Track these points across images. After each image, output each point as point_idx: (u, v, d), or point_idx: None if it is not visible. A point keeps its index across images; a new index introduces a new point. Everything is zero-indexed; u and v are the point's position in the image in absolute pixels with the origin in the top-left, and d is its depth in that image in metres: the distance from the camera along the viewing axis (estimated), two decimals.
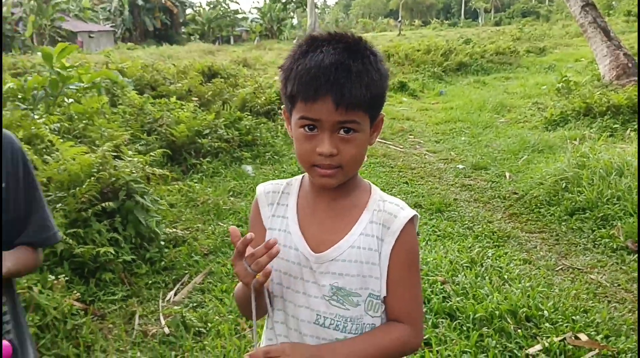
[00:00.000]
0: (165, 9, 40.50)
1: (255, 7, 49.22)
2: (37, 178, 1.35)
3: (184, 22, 43.16)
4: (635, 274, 3.60)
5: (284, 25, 46.17)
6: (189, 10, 45.00)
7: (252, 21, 48.59)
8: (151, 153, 4.49)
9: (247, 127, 6.74)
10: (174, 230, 4.33)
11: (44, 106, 5.31)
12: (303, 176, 1.24)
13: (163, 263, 3.88)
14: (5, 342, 1.21)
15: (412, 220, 1.14)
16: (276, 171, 6.06)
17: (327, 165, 1.06)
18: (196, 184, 5.38)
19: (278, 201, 1.23)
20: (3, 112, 4.94)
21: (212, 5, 46.98)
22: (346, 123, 1.04)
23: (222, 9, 46.15)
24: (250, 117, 7.09)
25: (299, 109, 1.05)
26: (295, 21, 50.79)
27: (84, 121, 5.23)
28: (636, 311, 3.15)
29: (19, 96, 5.48)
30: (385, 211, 1.15)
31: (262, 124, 7.15)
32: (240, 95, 7.57)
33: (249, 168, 6.03)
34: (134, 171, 3.95)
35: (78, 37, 35.72)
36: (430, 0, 77.89)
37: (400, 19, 53.44)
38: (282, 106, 1.14)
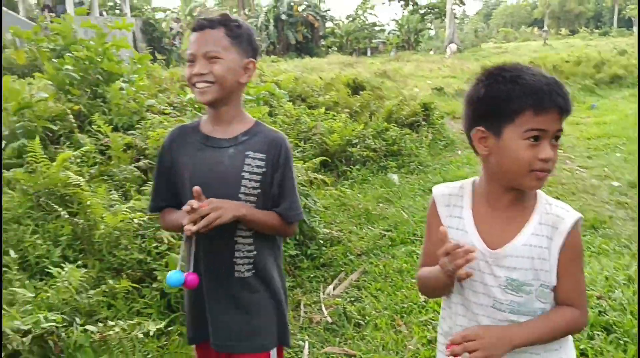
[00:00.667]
0: (307, 23, 42.16)
1: (393, 19, 49.64)
2: (293, 172, 1.74)
3: (324, 35, 44.62)
4: None
5: (422, 37, 45.99)
6: (328, 24, 46.44)
7: (389, 33, 48.97)
8: (312, 160, 4.90)
9: (393, 137, 7.01)
10: (330, 230, 4.69)
11: None
12: (474, 181, 1.47)
13: (322, 259, 4.24)
14: (193, 274, 1.59)
15: (577, 221, 1.33)
16: (421, 181, 6.26)
17: (545, 169, 1.27)
18: (347, 190, 5.74)
19: (454, 203, 1.46)
20: (184, 120, 5.64)
21: (351, 19, 48.09)
22: (558, 131, 1.26)
23: (360, 21, 47.07)
24: (395, 128, 7.35)
25: (523, 123, 1.25)
26: (432, 32, 50.40)
27: None
28: None
29: (196, 106, 6.20)
30: (552, 214, 1.35)
31: (407, 135, 7.37)
32: (387, 107, 7.87)
33: (395, 177, 6.28)
34: (299, 175, 4.37)
35: None
36: (579, 8, 73.29)
37: (545, 28, 50.98)
38: (477, 127, 1.32)
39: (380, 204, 5.54)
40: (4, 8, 32.56)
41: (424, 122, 8.06)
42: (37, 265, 3.52)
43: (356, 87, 10.52)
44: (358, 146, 6.51)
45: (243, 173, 1.65)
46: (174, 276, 1.55)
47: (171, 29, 37.42)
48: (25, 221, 3.90)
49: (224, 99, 1.65)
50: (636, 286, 3.63)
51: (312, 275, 4.04)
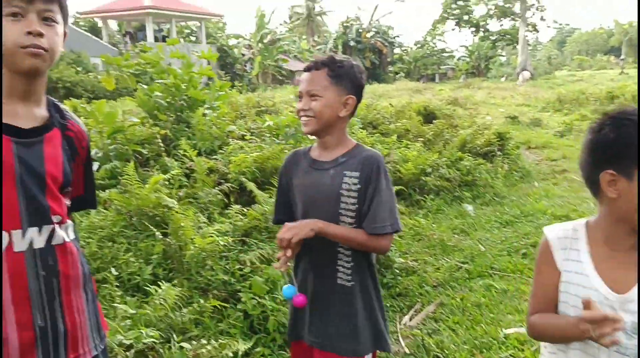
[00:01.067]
0: (375, 49, 42.55)
1: (462, 46, 49.27)
2: (385, 185, 1.85)
3: (392, 61, 44.86)
4: None
5: (492, 63, 45.36)
6: (396, 50, 46.66)
7: (458, 59, 48.60)
8: None
9: (468, 167, 6.96)
10: (405, 260, 4.71)
11: (294, 141, 6.14)
12: (587, 223, 1.48)
13: (397, 289, 4.26)
14: (301, 296, 1.81)
15: None
16: (497, 213, 6.17)
17: None
18: (421, 219, 5.74)
19: (570, 246, 1.47)
20: (263, 146, 5.84)
21: (419, 45, 48.13)
22: None
23: (429, 48, 47.02)
24: (470, 157, 7.30)
25: None
26: (503, 59, 49.59)
27: None
28: None
29: (274, 132, 6.43)
30: None
31: (482, 165, 7.30)
32: (461, 136, 7.84)
33: (469, 208, 6.23)
34: None
35: (296, 75, 39.12)
36: None
37: (622, 56, 49.17)
38: (606, 171, 1.34)
39: (456, 235, 5.51)
40: (88, 34, 34.71)
41: (499, 153, 7.96)
42: (129, 281, 3.73)
43: (427, 115, 10.53)
44: (432, 176, 6.51)
45: (341, 191, 1.83)
46: (288, 290, 1.84)
47: (243, 55, 38.72)
48: (119, 240, 4.15)
49: (325, 129, 1.87)
50: None
51: (388, 304, 4.06)
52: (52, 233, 1.43)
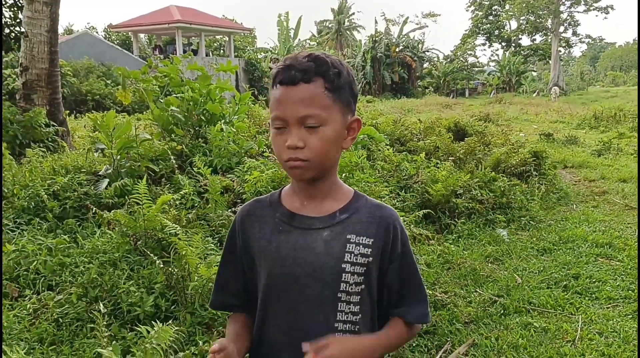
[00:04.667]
0: (404, 64, 42.14)
1: (493, 60, 48.56)
2: (414, 258, 1.37)
3: (421, 75, 44.36)
4: None
5: (524, 78, 44.56)
6: (426, 64, 46.18)
7: (488, 74, 47.92)
8: (416, 213, 4.55)
9: (502, 188, 6.50)
10: (434, 292, 4.28)
11: None
12: None
13: (425, 326, 3.84)
14: None
15: None
16: (535, 239, 5.69)
17: None
18: (451, 245, 5.30)
19: None
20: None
21: (449, 59, 47.58)
22: None
23: (459, 62, 46.44)
24: (504, 178, 6.84)
25: None
26: (535, 74, 48.72)
27: (344, 174, 5.55)
28: None
29: None
30: None
31: (516, 186, 6.83)
32: (494, 155, 7.38)
33: (504, 233, 5.77)
34: None
35: None
36: None
37: None
38: None
39: (489, 264, 5.05)
40: (119, 48, 35.13)
41: (534, 173, 7.47)
42: (128, 313, 3.41)
43: (458, 132, 10.09)
44: (463, 197, 6.07)
45: (344, 265, 1.24)
46: None
47: (270, 68, 38.77)
48: (121, 265, 3.83)
49: (323, 172, 1.27)
50: None
51: (414, 344, 3.64)
52: None
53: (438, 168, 6.47)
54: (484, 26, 46.76)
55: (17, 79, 20.81)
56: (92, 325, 3.31)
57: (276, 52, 40.21)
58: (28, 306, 3.45)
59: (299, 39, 40.39)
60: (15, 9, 19.15)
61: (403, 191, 6.02)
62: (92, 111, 19.03)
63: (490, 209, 6.23)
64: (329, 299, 1.25)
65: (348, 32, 50.06)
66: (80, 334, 3.30)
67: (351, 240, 1.26)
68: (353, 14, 49.66)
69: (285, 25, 37.82)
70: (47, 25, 7.70)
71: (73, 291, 3.55)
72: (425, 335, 3.77)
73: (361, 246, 1.26)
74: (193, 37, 38.17)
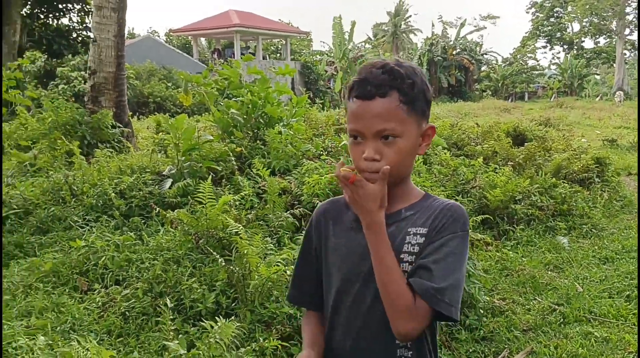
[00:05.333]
0: (461, 67, 41.52)
1: (554, 63, 47.15)
2: (465, 251, 1.32)
3: (478, 78, 43.57)
4: None
5: (587, 82, 43.05)
6: (483, 67, 45.33)
7: (549, 77, 46.58)
8: (474, 218, 4.51)
9: (562, 195, 6.34)
10: (491, 298, 4.23)
11: None
12: None
13: (482, 332, 3.80)
14: None
15: None
16: (596, 248, 5.52)
17: None
18: (509, 252, 5.22)
19: None
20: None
21: (508, 62, 46.54)
22: None
23: (518, 65, 45.35)
24: (565, 184, 6.66)
25: None
26: (598, 77, 46.97)
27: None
28: None
29: None
30: None
31: (578, 193, 6.64)
32: (555, 161, 7.19)
33: (564, 240, 5.62)
34: None
35: None
36: None
37: None
38: None
39: (549, 272, 4.95)
40: (179, 51, 36.14)
41: (597, 179, 7.23)
42: (191, 309, 3.53)
43: (517, 136, 9.88)
44: (522, 203, 5.96)
45: (402, 255, 1.28)
46: None
47: (326, 71, 38.95)
48: (184, 263, 3.97)
49: (397, 180, 1.31)
50: None
51: (471, 349, 3.62)
52: None
53: (497, 173, 6.36)
54: (545, 28, 45.51)
55: (82, 82, 21.78)
56: (157, 319, 3.46)
57: (332, 55, 40.37)
58: (97, 299, 3.63)
59: (353, 42, 40.31)
60: (83, 14, 20.01)
61: (460, 195, 5.96)
62: (155, 113, 19.69)
63: (551, 216, 6.08)
64: None
65: (404, 35, 49.67)
66: (145, 327, 3.45)
67: (410, 232, 1.30)
68: (409, 16, 49.24)
69: (340, 29, 37.91)
70: (115, 30, 8.04)
71: (139, 286, 3.71)
72: (483, 342, 3.74)
73: (418, 236, 1.29)
74: (250, 41, 38.84)
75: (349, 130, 1.28)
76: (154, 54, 30.30)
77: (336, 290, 1.35)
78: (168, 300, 3.02)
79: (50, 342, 2.68)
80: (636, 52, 41.53)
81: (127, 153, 7.34)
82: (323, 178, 4.94)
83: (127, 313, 3.53)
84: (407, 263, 1.28)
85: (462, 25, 43.66)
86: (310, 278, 1.44)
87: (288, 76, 7.77)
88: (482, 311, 3.97)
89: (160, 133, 10.11)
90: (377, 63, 1.28)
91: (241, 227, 3.62)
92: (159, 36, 42.73)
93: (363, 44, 50.15)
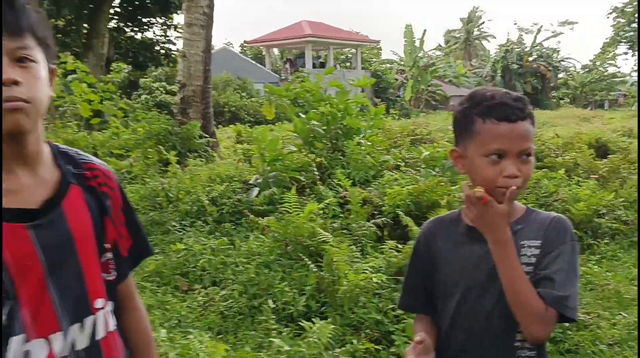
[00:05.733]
0: (537, 74, 40.43)
1: (637, 70, 44.93)
2: (578, 261, 1.47)
3: (555, 86, 42.23)
4: None
5: None
6: (561, 74, 43.91)
7: (631, 85, 44.45)
8: None
9: None
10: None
11: (450, 174, 5.89)
12: None
13: (567, 344, 3.83)
14: None
15: None
16: None
17: None
18: (594, 266, 5.16)
19: None
20: (419, 178, 5.67)
21: (587, 69, 44.85)
22: None
23: (598, 72, 43.62)
24: None
25: None
26: None
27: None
28: None
29: (430, 164, 6.24)
30: None
31: None
32: None
33: None
34: None
35: (451, 101, 38.39)
36: None
37: None
38: None
39: (634, 287, 4.86)
40: (253, 62, 37.22)
41: None
42: (283, 311, 3.77)
43: (599, 148, 9.62)
44: (606, 217, 5.85)
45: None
46: None
47: (396, 79, 38.95)
48: (274, 267, 4.23)
49: None
50: None
51: None
52: (95, 325, 1.18)
53: (580, 186, 6.28)
54: (627, 34, 43.45)
55: (163, 92, 22.85)
56: (252, 318, 3.73)
57: (402, 63, 40.34)
58: (199, 299, 3.94)
59: (424, 50, 40.09)
60: (165, 27, 21.03)
61: (542, 208, 5.93)
62: (234, 123, 20.38)
63: (636, 230, 5.94)
64: (504, 299, 1.40)
65: (477, 42, 48.94)
66: (242, 326, 3.72)
67: (524, 245, 1.42)
68: (483, 23, 48.49)
69: (411, 37, 37.84)
70: (203, 46, 8.52)
71: (235, 288, 4.00)
72: (567, 354, 3.76)
73: (532, 248, 1.42)
74: (322, 50, 39.42)
75: (491, 150, 1.40)
76: (229, 65, 31.34)
77: (455, 297, 1.48)
78: (270, 301, 3.26)
79: (171, 335, 2.98)
80: None
81: (212, 161, 7.77)
82: (404, 189, 5.09)
83: (225, 312, 3.81)
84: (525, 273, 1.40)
85: (539, 31, 42.57)
86: (421, 287, 1.59)
87: (367, 87, 7.96)
88: (566, 325, 3.98)
89: (241, 143, 10.57)
90: (500, 91, 1.45)
91: (330, 235, 3.83)
92: (233, 47, 44.13)
93: (434, 51, 49.74)
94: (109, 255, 1.25)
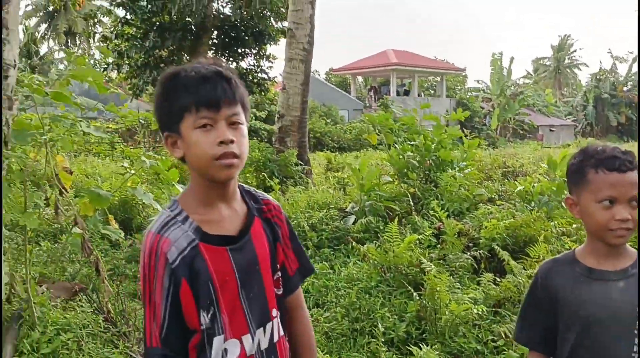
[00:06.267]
0: (632, 104, 38.59)
1: None
2: None
3: None
4: None
5: None
6: None
7: None
8: None
9: None
10: None
11: (546, 209, 5.91)
12: None
13: None
14: None
15: None
16: None
17: None
18: None
19: None
20: (515, 212, 5.73)
21: None
22: None
23: None
24: None
25: None
26: None
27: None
28: None
29: (525, 198, 6.28)
30: None
31: None
32: None
33: None
34: None
35: (539, 130, 37.33)
36: None
37: None
38: None
39: None
40: (338, 89, 37.98)
41: None
42: (383, 335, 3.98)
43: None
44: None
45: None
46: None
47: (482, 108, 38.39)
48: (374, 293, 4.46)
49: None
50: None
51: None
52: (272, 330, 1.48)
53: None
54: None
55: (253, 118, 23.79)
56: (354, 340, 3.96)
57: (488, 91, 39.79)
58: None
59: (512, 79, 39.37)
60: (258, 57, 22.02)
61: None
62: (319, 148, 20.89)
63: None
64: (628, 337, 1.58)
65: (568, 70, 47.44)
66: (345, 347, 3.96)
67: None
68: (574, 51, 46.96)
69: (499, 65, 37.33)
70: (301, 79, 9.02)
71: (337, 311, 4.26)
72: None
73: None
74: (406, 78, 39.64)
75: (603, 196, 1.59)
76: (315, 92, 32.08)
77: (574, 333, 1.64)
78: (380, 325, 3.49)
79: None
80: None
81: (307, 188, 8.15)
82: (501, 223, 5.19)
83: (329, 333, 4.07)
84: None
85: (635, 60, 40.66)
86: (539, 324, 1.74)
87: (460, 119, 8.10)
88: None
89: (331, 171, 10.95)
90: (608, 145, 1.67)
91: (432, 265, 4.02)
92: (319, 75, 45.24)
93: (522, 79, 48.66)
94: (279, 273, 1.55)
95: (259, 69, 21.65)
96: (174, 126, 1.38)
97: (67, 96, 3.28)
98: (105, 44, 22.01)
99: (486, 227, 5.17)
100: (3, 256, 3.68)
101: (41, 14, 41.16)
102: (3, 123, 3.45)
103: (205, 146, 1.34)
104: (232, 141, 1.36)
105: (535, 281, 1.80)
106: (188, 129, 1.36)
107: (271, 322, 1.48)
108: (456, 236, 5.31)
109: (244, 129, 1.42)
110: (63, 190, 3.15)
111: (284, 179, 8.24)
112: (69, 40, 42.04)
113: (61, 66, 49.42)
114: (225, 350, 1.40)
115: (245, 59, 21.48)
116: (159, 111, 1.43)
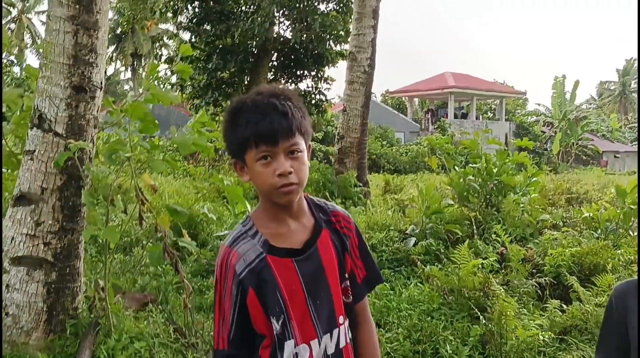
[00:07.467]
0: None
1: None
2: None
3: None
4: None
5: None
6: None
7: None
8: None
9: None
10: None
11: (613, 237, 5.76)
12: None
13: None
14: None
15: None
16: None
17: None
18: None
19: None
20: (581, 239, 5.61)
21: None
22: None
23: None
24: None
25: None
26: None
27: None
28: None
29: (592, 225, 6.14)
30: None
31: None
32: None
33: None
34: None
35: (603, 156, 36.07)
36: None
37: None
38: None
39: None
40: (394, 111, 37.96)
41: None
42: None
43: None
44: None
45: None
46: None
47: (543, 132, 37.47)
48: (436, 315, 4.46)
49: None
50: None
51: None
52: (339, 336, 1.55)
53: None
54: None
55: (317, 143, 24.05)
56: None
57: (549, 115, 38.87)
58: None
59: (577, 102, 38.34)
60: (317, 79, 22.38)
61: None
62: (375, 170, 20.90)
63: None
64: None
65: (634, 95, 45.75)
66: None
67: None
68: None
69: (562, 88, 36.47)
70: (362, 101, 9.14)
71: (399, 332, 4.28)
72: None
73: None
74: (464, 101, 39.25)
75: None
76: (372, 114, 32.02)
77: None
78: (442, 347, 3.49)
79: None
80: None
81: (366, 209, 8.21)
82: (567, 250, 5.09)
83: (391, 353, 4.09)
84: None
85: None
86: (620, 348, 1.73)
87: (529, 147, 7.98)
88: None
89: (389, 193, 10.96)
90: None
91: (502, 289, 3.99)
92: (375, 97, 45.36)
93: (585, 104, 47.29)
94: (347, 282, 1.61)
95: (316, 91, 21.95)
96: (240, 155, 1.50)
97: (150, 118, 3.49)
98: (169, 66, 22.85)
99: (551, 254, 5.08)
100: (82, 266, 3.93)
101: (110, 36, 43.25)
102: (89, 140, 3.70)
103: (265, 177, 1.45)
104: (290, 172, 1.45)
105: (610, 303, 1.80)
106: (251, 161, 1.47)
107: (338, 328, 1.55)
108: (520, 262, 5.24)
109: (303, 156, 1.50)
110: (146, 202, 3.34)
111: (343, 200, 8.33)
112: (134, 62, 43.92)
113: (126, 86, 51.66)
114: (296, 354, 1.51)
115: (303, 80, 21.83)
116: (226, 140, 1.54)
